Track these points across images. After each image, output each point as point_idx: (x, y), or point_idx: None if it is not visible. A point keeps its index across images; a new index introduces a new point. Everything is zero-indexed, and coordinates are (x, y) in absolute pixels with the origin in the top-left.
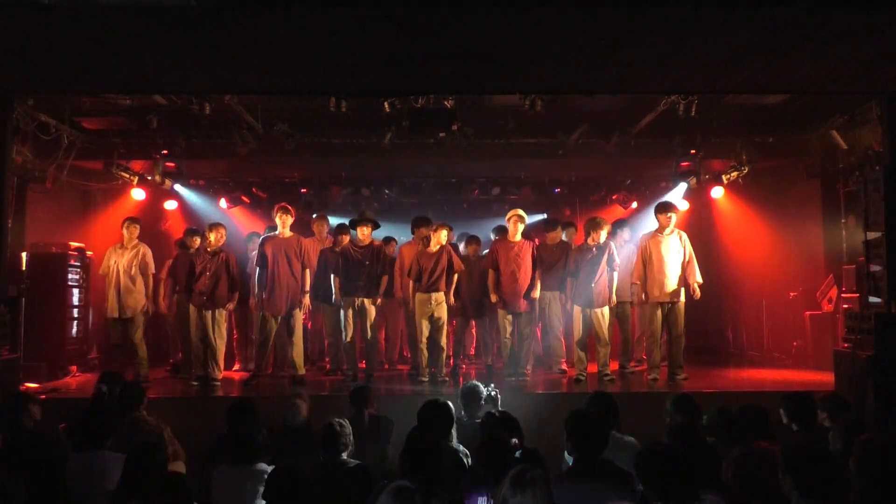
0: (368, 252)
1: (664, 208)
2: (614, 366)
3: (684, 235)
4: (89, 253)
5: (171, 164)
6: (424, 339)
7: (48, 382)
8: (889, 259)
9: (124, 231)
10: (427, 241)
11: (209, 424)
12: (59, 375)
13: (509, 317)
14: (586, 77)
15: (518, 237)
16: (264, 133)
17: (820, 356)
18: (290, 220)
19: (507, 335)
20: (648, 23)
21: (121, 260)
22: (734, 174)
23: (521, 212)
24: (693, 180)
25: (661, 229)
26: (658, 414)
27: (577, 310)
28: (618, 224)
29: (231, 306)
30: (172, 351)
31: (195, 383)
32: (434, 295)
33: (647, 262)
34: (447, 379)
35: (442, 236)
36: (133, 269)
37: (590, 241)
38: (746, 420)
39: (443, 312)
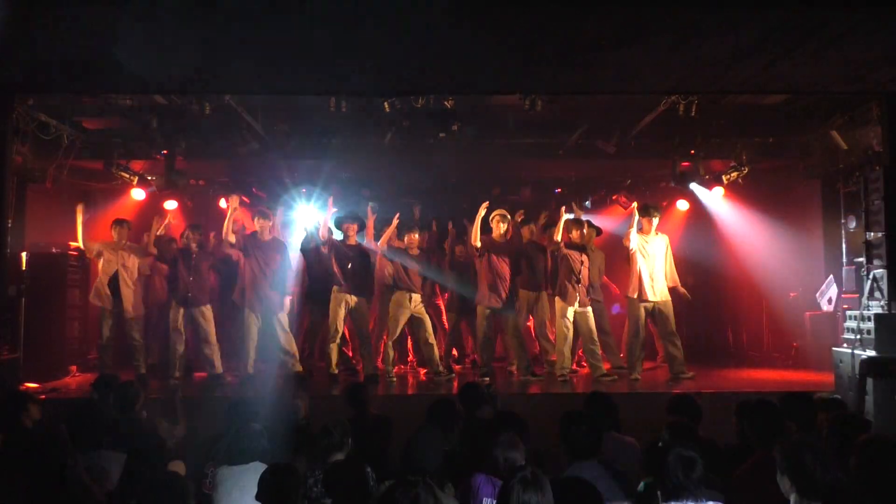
0: (357, 251)
1: (647, 211)
2: (607, 365)
3: (666, 238)
4: None
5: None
6: (394, 338)
7: (48, 382)
8: (889, 259)
9: (113, 232)
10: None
11: (209, 424)
12: (59, 375)
13: (488, 314)
14: (586, 77)
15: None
16: (264, 133)
17: (820, 356)
18: (268, 223)
19: (484, 332)
20: (648, 23)
21: (123, 260)
22: (734, 174)
23: (503, 211)
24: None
25: (644, 231)
26: (658, 414)
27: (561, 308)
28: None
29: (211, 305)
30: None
31: (174, 381)
32: (413, 295)
33: (632, 263)
34: (453, 375)
35: (415, 239)
36: (134, 271)
37: (572, 238)
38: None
39: (422, 311)
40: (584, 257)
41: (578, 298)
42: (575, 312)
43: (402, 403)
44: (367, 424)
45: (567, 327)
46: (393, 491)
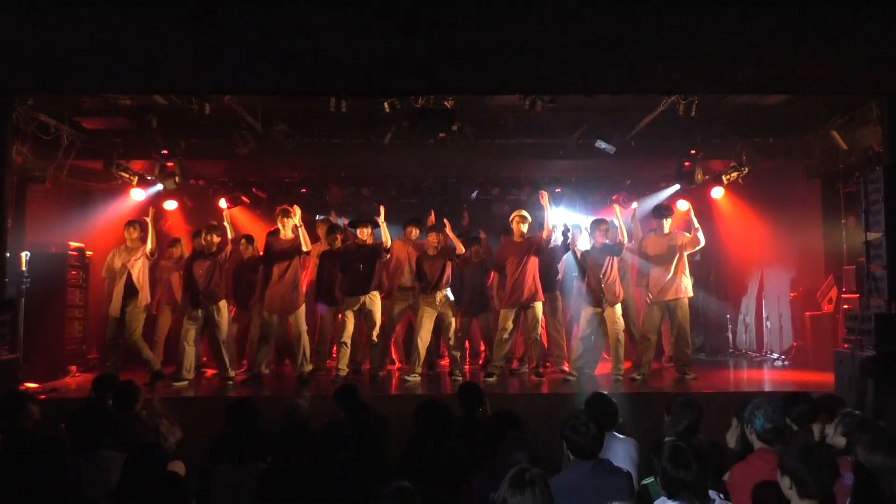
0: (370, 251)
1: (660, 213)
2: (627, 364)
3: (683, 236)
4: (89, 253)
5: (171, 164)
6: (421, 337)
7: (48, 382)
8: (889, 259)
9: (126, 234)
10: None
11: (209, 424)
12: (59, 375)
13: (512, 315)
14: (586, 77)
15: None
16: (264, 133)
17: (820, 356)
18: (290, 222)
19: (507, 334)
20: (648, 23)
21: (129, 261)
22: (734, 174)
23: (523, 212)
24: (699, 174)
25: (659, 231)
26: (658, 414)
27: (586, 309)
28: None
29: (225, 304)
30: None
31: (175, 384)
32: (437, 294)
33: (646, 263)
34: (458, 378)
35: (434, 239)
36: (143, 269)
37: (595, 241)
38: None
39: (449, 310)
40: (607, 258)
41: (603, 299)
42: (597, 313)
43: (401, 403)
44: (362, 424)
45: (583, 328)
46: (386, 497)
